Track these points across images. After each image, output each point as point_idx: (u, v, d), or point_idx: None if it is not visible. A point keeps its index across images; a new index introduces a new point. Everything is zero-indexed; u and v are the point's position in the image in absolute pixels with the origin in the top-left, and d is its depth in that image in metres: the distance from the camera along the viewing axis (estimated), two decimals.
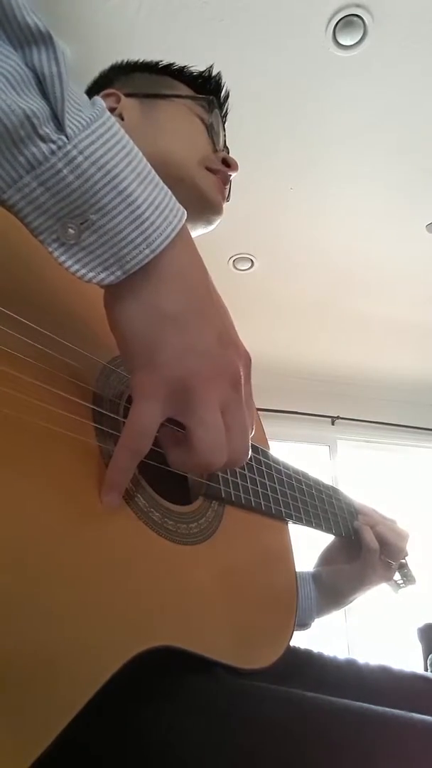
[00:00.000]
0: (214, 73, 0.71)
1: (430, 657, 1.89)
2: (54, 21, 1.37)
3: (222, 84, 0.72)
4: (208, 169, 0.64)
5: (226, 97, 0.73)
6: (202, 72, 0.71)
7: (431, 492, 2.99)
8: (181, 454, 0.37)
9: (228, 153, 0.70)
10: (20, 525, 0.30)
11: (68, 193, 0.28)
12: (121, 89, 0.66)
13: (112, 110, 0.64)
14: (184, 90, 0.68)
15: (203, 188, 0.63)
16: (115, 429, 0.40)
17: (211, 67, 0.71)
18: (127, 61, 0.72)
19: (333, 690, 0.43)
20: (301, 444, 2.96)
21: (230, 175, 0.67)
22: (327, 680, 0.57)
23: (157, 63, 0.71)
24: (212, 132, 0.66)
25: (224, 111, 0.73)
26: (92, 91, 0.71)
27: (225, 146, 0.70)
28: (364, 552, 0.72)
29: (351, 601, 0.73)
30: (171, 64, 0.70)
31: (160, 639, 0.35)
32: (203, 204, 0.64)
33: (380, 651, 2.58)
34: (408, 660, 2.08)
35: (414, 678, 0.59)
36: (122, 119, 0.63)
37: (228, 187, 0.69)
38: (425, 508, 2.83)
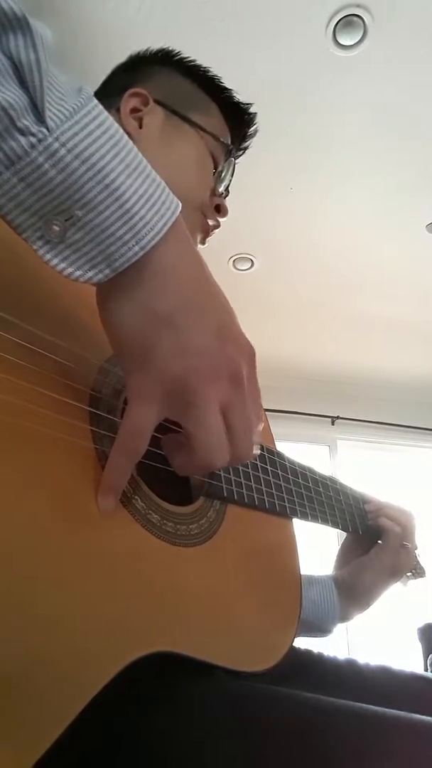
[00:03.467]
0: (251, 109, 0.71)
1: (430, 657, 1.88)
2: (54, 21, 1.37)
3: (254, 121, 0.72)
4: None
5: (254, 134, 0.73)
6: (241, 103, 0.71)
7: (431, 492, 2.99)
8: (183, 457, 0.37)
9: (227, 195, 0.69)
10: (14, 530, 0.29)
11: (51, 188, 0.27)
12: (152, 90, 0.65)
13: (136, 111, 0.63)
14: (214, 116, 0.68)
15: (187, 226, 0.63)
16: (112, 430, 0.39)
17: (249, 104, 0.71)
18: (175, 54, 0.69)
19: (333, 690, 0.43)
20: (301, 444, 2.95)
21: (219, 222, 0.67)
22: (327, 680, 0.56)
23: (204, 71, 0.69)
24: (219, 177, 0.66)
25: (246, 145, 0.74)
26: (124, 73, 0.70)
27: (227, 190, 0.69)
28: (388, 538, 0.69)
29: (373, 600, 0.69)
30: (214, 78, 0.69)
31: (157, 645, 0.34)
32: None
33: (380, 651, 2.58)
34: (408, 660, 2.08)
35: (414, 678, 0.59)
36: (140, 126, 0.62)
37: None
38: (425, 508, 2.83)
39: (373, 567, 0.69)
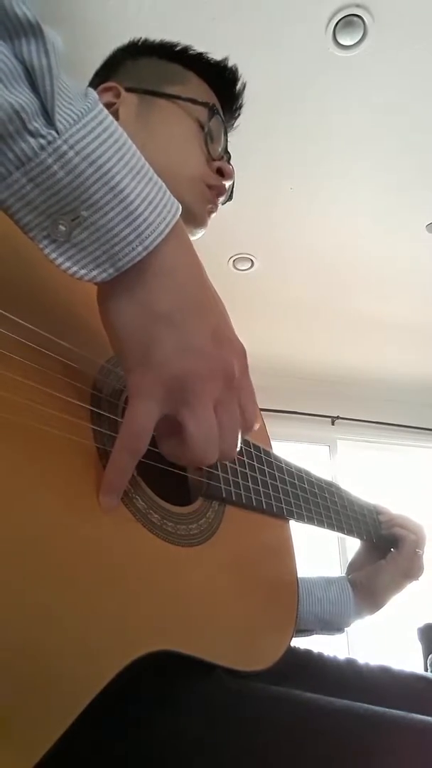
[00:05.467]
0: (230, 64, 0.68)
1: (430, 657, 1.89)
2: (54, 22, 1.37)
3: (238, 76, 0.69)
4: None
5: (242, 89, 0.70)
6: (219, 62, 0.68)
7: (431, 492, 2.99)
8: (174, 445, 0.37)
9: (228, 158, 0.67)
10: (16, 528, 0.29)
11: (59, 189, 0.28)
12: (123, 80, 0.64)
13: (110, 105, 0.62)
14: (192, 83, 0.65)
15: (188, 203, 0.60)
16: (114, 430, 0.39)
17: (226, 58, 0.68)
18: (143, 42, 0.68)
19: (333, 690, 0.43)
20: (301, 444, 2.96)
21: (225, 186, 0.65)
22: (327, 680, 0.56)
23: (172, 46, 0.67)
24: (208, 139, 0.63)
25: (238, 104, 0.71)
26: (100, 74, 0.69)
27: (226, 151, 0.67)
28: (405, 545, 0.74)
29: (387, 601, 0.73)
30: (186, 49, 0.67)
31: (158, 644, 0.35)
32: (186, 216, 0.62)
33: (380, 651, 2.58)
34: (408, 660, 2.08)
35: (414, 678, 0.59)
36: (117, 119, 0.61)
37: (231, 189, 0.67)
38: (425, 508, 2.83)
39: (389, 570, 0.73)
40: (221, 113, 0.66)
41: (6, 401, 0.32)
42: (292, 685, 0.42)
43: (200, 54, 0.67)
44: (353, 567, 0.78)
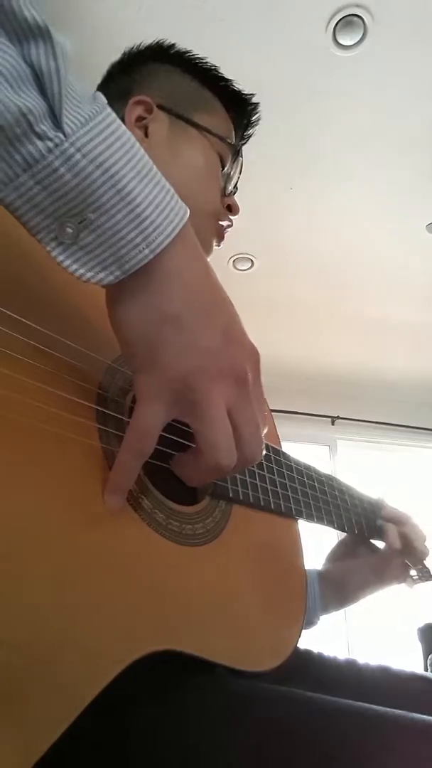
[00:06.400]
0: (253, 99, 0.71)
1: (430, 657, 1.89)
2: (53, 21, 1.37)
3: (257, 110, 0.72)
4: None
5: (256, 122, 0.73)
6: (244, 95, 0.70)
7: (431, 492, 2.99)
8: (192, 465, 0.37)
9: (235, 192, 0.69)
10: (21, 528, 0.29)
11: (66, 191, 0.28)
12: (154, 93, 0.64)
13: (141, 119, 0.63)
14: (218, 114, 0.67)
15: (202, 240, 0.62)
16: (120, 429, 0.39)
17: (251, 94, 0.71)
18: (173, 49, 0.68)
19: (333, 690, 0.43)
20: (301, 444, 2.95)
21: (232, 223, 0.67)
22: (327, 680, 0.57)
23: (203, 64, 0.68)
24: (227, 179, 0.66)
25: (250, 133, 0.74)
26: (124, 69, 0.69)
27: (235, 187, 0.69)
28: (385, 549, 0.72)
29: (357, 600, 0.72)
30: (214, 71, 0.68)
31: (162, 643, 0.35)
32: None
33: (380, 651, 2.58)
34: (408, 660, 2.08)
35: (414, 678, 0.59)
36: (146, 134, 0.62)
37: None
38: (425, 508, 2.83)
39: (362, 573, 0.72)
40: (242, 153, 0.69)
41: (12, 401, 0.32)
42: (292, 685, 0.42)
43: (227, 81, 0.69)
44: (332, 557, 0.77)
